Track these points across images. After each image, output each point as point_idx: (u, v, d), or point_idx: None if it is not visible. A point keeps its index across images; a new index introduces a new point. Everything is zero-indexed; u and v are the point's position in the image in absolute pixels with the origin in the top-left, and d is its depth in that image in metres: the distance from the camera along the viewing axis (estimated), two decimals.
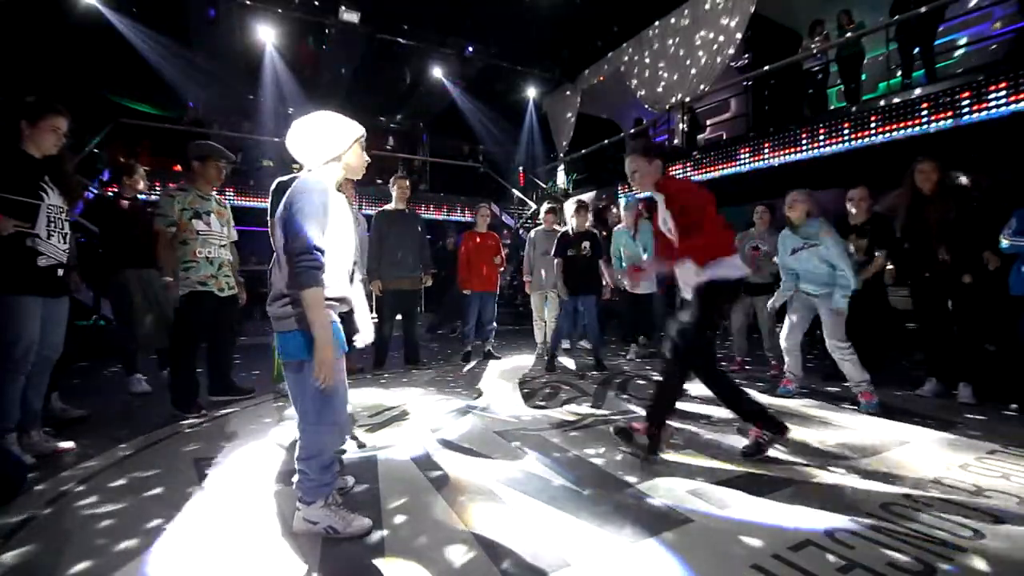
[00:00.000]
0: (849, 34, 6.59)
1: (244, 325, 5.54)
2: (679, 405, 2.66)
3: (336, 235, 1.71)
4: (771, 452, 2.46)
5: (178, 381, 3.26)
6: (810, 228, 3.35)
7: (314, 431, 1.70)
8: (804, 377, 3.72)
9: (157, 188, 8.75)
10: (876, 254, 3.70)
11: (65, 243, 2.54)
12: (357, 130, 1.79)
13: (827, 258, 3.27)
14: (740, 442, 2.62)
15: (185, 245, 3.21)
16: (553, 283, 5.19)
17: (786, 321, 3.62)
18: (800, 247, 3.41)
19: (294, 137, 1.74)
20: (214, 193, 3.44)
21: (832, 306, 3.22)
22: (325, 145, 1.73)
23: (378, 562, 1.56)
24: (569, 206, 4.82)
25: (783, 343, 3.64)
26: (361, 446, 2.61)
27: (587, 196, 9.78)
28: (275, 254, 1.73)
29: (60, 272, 2.52)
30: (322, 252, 1.59)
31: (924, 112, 5.25)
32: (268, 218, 3.54)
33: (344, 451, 2.32)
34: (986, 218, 3.36)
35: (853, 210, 3.84)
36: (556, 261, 4.73)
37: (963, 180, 3.81)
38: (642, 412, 3.18)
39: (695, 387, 3.91)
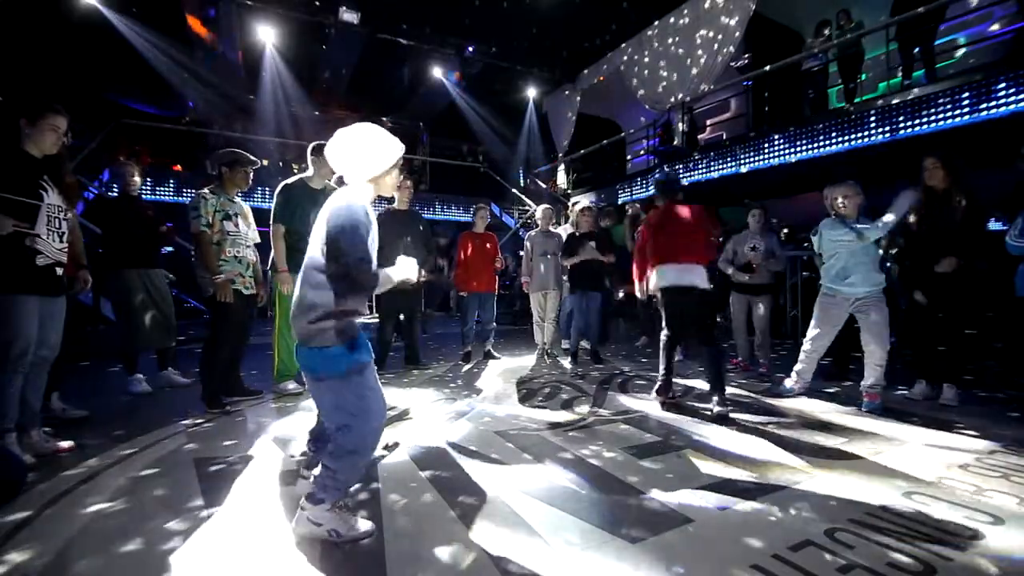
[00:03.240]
0: (849, 35, 6.59)
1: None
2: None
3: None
4: (772, 452, 2.46)
5: (212, 377, 3.30)
6: (859, 222, 3.29)
7: (360, 433, 1.68)
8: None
9: (161, 189, 8.80)
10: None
11: (63, 242, 2.53)
12: (398, 152, 1.75)
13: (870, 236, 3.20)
14: (740, 441, 2.62)
15: (216, 245, 3.31)
16: (552, 283, 5.24)
17: (814, 323, 3.48)
18: (851, 239, 3.28)
19: (336, 149, 1.71)
20: (237, 198, 3.53)
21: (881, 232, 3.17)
22: (367, 164, 1.70)
23: (378, 562, 1.56)
24: (574, 208, 5.07)
25: (807, 344, 3.52)
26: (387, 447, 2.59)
27: (585, 198, 9.81)
28: (303, 270, 1.69)
29: (59, 271, 2.51)
30: (371, 263, 1.63)
31: (924, 112, 5.26)
32: (271, 221, 3.56)
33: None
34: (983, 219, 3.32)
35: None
36: (567, 259, 4.93)
37: None
38: (638, 407, 3.20)
39: (695, 387, 3.93)
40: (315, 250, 1.67)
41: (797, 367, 3.58)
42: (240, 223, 3.46)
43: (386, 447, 2.57)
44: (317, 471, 1.72)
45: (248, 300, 3.49)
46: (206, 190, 3.38)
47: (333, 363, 1.65)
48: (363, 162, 1.70)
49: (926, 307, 3.45)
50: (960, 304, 3.35)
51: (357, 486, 2.08)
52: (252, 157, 3.52)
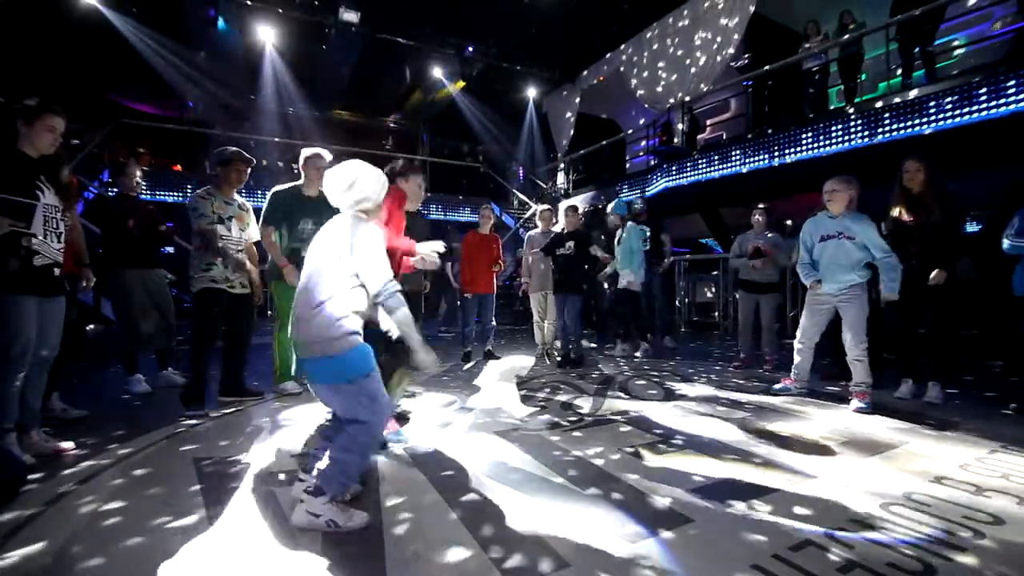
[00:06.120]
0: (848, 35, 6.58)
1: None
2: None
3: None
4: (772, 451, 2.46)
5: (194, 379, 3.29)
6: (847, 220, 3.32)
7: (368, 431, 1.80)
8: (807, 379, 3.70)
9: (161, 190, 8.79)
10: None
11: (60, 243, 2.53)
12: (385, 186, 2.01)
13: (865, 246, 3.24)
14: (739, 441, 2.62)
15: (206, 250, 3.31)
16: (552, 283, 5.24)
17: (802, 320, 3.58)
18: (831, 236, 3.36)
19: (333, 186, 1.92)
20: (237, 197, 3.54)
21: (884, 294, 3.20)
22: (365, 197, 1.93)
23: (378, 562, 1.56)
24: (561, 208, 5.15)
25: (796, 343, 3.59)
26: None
27: (580, 199, 9.84)
28: (308, 279, 1.83)
29: (56, 272, 2.51)
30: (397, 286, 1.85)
31: (924, 112, 5.25)
32: (261, 223, 3.56)
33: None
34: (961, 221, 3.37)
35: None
36: (543, 258, 5.04)
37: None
38: (638, 407, 3.19)
39: (694, 387, 3.93)
40: (327, 262, 1.81)
41: (794, 365, 3.62)
42: (234, 227, 3.45)
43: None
44: (322, 464, 1.78)
45: (238, 299, 3.47)
46: (202, 191, 3.39)
47: (362, 363, 1.77)
48: (362, 201, 1.93)
49: (906, 306, 3.48)
50: (943, 302, 3.38)
51: (359, 487, 2.08)
52: (246, 155, 3.50)
